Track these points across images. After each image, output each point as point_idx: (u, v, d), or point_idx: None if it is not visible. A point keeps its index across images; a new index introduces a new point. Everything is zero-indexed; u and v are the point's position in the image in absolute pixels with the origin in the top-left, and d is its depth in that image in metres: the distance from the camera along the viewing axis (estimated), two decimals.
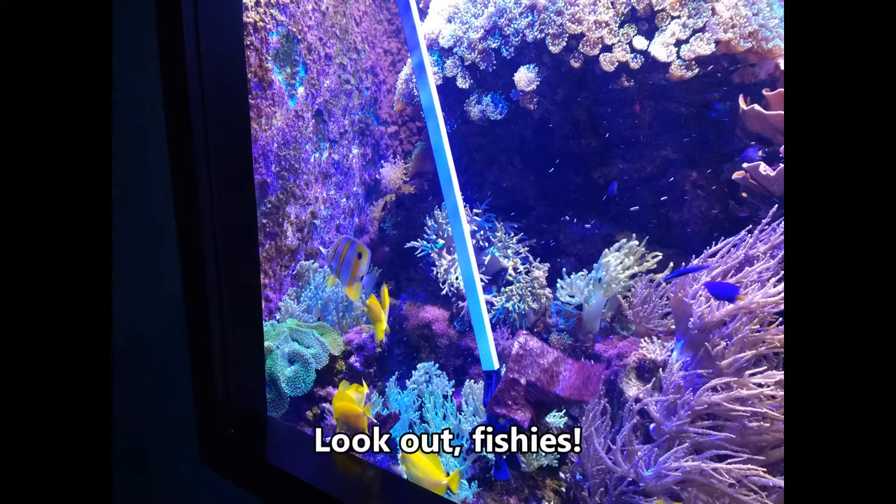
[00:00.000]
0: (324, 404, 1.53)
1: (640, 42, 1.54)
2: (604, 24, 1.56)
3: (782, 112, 1.40)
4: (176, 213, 0.89)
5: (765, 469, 0.97)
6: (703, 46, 1.47)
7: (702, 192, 1.63)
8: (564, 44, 1.58)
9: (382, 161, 2.40)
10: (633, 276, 1.54)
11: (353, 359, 1.66)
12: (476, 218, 1.81)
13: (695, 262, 1.26)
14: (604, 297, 1.55)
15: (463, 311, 1.73)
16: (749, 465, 0.97)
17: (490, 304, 1.70)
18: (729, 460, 0.99)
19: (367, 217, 2.33)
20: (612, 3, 1.57)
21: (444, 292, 1.73)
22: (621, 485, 1.10)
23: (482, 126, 1.84)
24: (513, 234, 1.81)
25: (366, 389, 1.28)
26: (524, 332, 1.41)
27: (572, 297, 1.60)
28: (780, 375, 1.02)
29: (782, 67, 1.51)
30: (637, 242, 1.55)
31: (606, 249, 1.58)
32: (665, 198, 1.67)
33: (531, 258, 1.76)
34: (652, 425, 1.17)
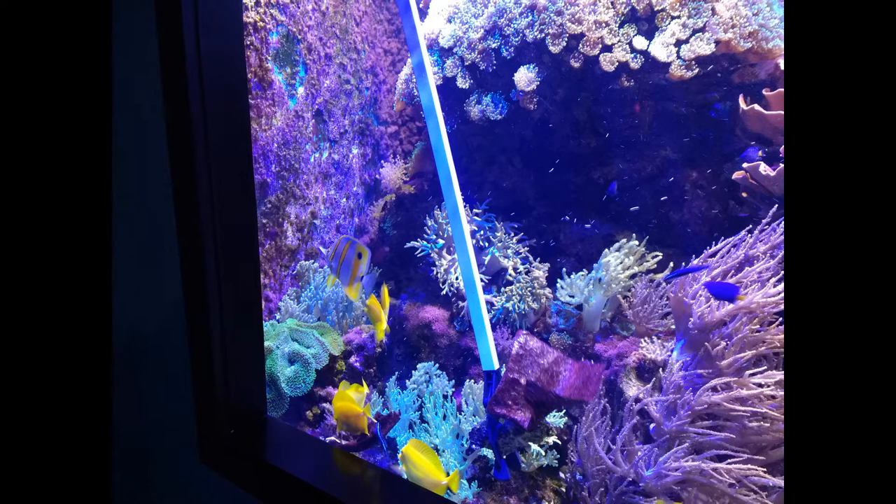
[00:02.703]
0: (324, 404, 1.53)
1: (640, 42, 1.54)
2: (604, 24, 1.56)
3: (782, 112, 1.40)
4: (176, 213, 0.89)
5: (765, 469, 0.97)
6: (703, 46, 1.47)
7: (702, 192, 1.63)
8: (564, 44, 1.58)
9: (382, 161, 2.40)
10: (633, 276, 1.54)
11: (353, 359, 1.66)
12: (476, 218, 1.81)
13: (695, 262, 1.26)
14: (604, 297, 1.55)
15: (463, 311, 1.73)
16: (749, 465, 0.97)
17: (490, 304, 1.69)
18: (729, 460, 0.99)
19: (367, 217, 2.33)
20: (612, 3, 1.57)
21: (444, 292, 1.73)
22: (621, 485, 1.10)
23: (482, 126, 1.84)
24: (513, 234, 1.81)
25: (366, 389, 1.28)
26: (524, 332, 1.40)
27: (572, 297, 1.60)
28: (780, 375, 1.02)
29: (782, 67, 1.51)
30: (637, 242, 1.55)
31: (606, 249, 1.58)
32: (665, 198, 1.67)
33: (531, 258, 1.76)
34: (652, 425, 1.17)
